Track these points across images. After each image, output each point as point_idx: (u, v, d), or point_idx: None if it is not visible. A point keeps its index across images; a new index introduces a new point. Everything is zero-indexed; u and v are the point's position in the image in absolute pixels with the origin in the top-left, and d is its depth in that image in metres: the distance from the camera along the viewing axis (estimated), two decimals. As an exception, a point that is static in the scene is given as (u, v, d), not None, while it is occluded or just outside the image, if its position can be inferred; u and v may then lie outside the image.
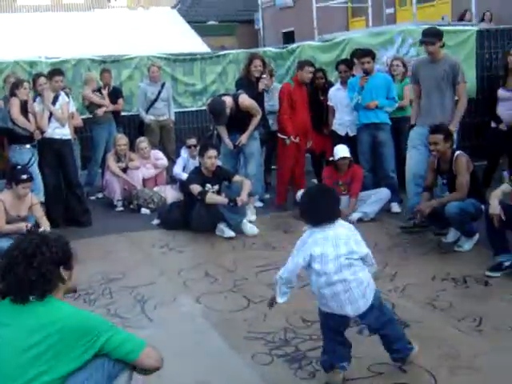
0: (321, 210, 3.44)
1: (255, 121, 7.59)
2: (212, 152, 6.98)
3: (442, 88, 6.57)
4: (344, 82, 8.07)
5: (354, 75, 8.05)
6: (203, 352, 3.98)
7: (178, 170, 8.59)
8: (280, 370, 3.68)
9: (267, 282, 5.21)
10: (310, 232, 3.45)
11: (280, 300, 3.53)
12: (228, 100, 7.45)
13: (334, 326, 3.47)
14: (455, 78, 6.54)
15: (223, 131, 7.67)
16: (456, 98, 6.68)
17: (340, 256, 3.32)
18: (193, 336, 4.23)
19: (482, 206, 5.62)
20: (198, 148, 8.10)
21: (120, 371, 2.67)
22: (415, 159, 6.74)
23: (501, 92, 7.55)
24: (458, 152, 5.84)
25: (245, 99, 7.51)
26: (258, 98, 7.81)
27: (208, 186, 6.98)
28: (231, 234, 6.68)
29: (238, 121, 7.48)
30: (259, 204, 8.17)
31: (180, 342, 4.09)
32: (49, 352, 2.51)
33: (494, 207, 4.98)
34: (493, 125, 7.86)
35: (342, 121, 8.08)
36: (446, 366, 3.55)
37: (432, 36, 6.49)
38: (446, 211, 5.61)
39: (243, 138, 7.55)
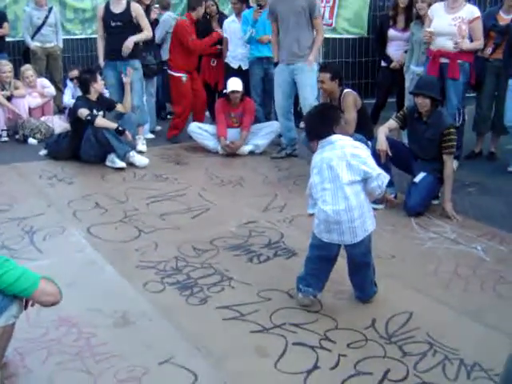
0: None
1: (143, 34, 7.33)
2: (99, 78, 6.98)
3: (300, 23, 6.69)
4: (238, 14, 8.00)
5: (249, 7, 7.99)
6: (94, 282, 3.96)
7: (67, 99, 8.36)
8: (172, 297, 3.74)
9: (158, 213, 5.24)
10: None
11: (310, 211, 3.66)
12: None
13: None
14: (312, 13, 6.68)
15: (100, 46, 7.47)
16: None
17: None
18: (83, 266, 4.20)
19: (369, 142, 5.83)
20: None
21: (10, 302, 2.63)
22: (281, 96, 7.02)
23: (391, 32, 7.72)
24: (346, 90, 5.97)
25: (137, 4, 7.37)
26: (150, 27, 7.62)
27: (94, 111, 6.82)
28: (122, 164, 6.60)
29: (123, 39, 7.19)
30: (150, 136, 8.09)
31: (70, 273, 4.03)
32: None
33: (381, 143, 5.17)
34: (382, 64, 8.06)
35: (236, 53, 8.04)
36: (331, 291, 3.72)
37: None
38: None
39: (128, 42, 7.17)
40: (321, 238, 3.45)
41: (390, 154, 5.14)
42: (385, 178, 3.46)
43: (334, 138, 3.48)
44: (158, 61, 8.10)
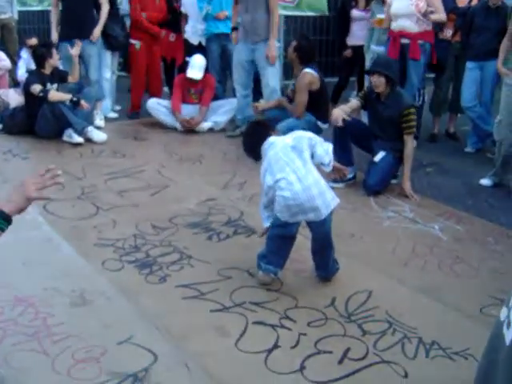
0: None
1: (104, 12, 7.17)
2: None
3: (257, 3, 6.62)
4: (198, -13, 7.86)
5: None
6: (51, 260, 3.88)
7: (22, 72, 8.13)
8: (131, 275, 3.69)
9: (117, 190, 5.17)
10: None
11: (266, 224, 3.65)
12: None
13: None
14: None
15: (54, 19, 7.31)
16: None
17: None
18: (40, 244, 4.11)
19: (319, 122, 5.88)
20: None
21: None
22: (241, 73, 6.97)
23: (354, 12, 7.70)
24: (304, 70, 5.95)
25: None
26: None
27: (48, 84, 6.68)
28: (79, 139, 6.46)
29: (78, 15, 7.05)
30: (114, 115, 7.94)
31: (26, 251, 3.96)
32: None
33: (336, 112, 5.21)
34: (349, 43, 8.05)
35: (195, 29, 7.88)
36: (291, 270, 3.73)
37: None
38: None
39: (96, 32, 7.12)
40: (286, 220, 3.45)
41: (341, 124, 5.16)
42: (328, 145, 3.62)
43: (271, 139, 3.61)
44: (125, 32, 7.92)
